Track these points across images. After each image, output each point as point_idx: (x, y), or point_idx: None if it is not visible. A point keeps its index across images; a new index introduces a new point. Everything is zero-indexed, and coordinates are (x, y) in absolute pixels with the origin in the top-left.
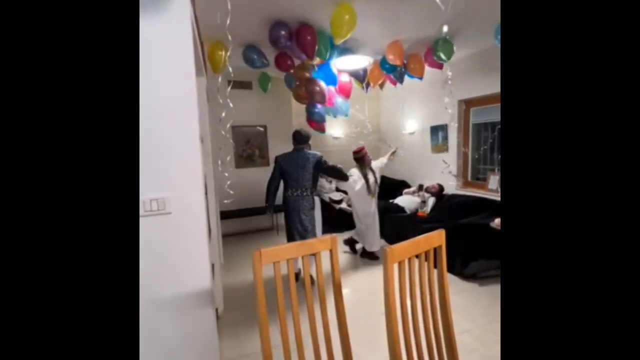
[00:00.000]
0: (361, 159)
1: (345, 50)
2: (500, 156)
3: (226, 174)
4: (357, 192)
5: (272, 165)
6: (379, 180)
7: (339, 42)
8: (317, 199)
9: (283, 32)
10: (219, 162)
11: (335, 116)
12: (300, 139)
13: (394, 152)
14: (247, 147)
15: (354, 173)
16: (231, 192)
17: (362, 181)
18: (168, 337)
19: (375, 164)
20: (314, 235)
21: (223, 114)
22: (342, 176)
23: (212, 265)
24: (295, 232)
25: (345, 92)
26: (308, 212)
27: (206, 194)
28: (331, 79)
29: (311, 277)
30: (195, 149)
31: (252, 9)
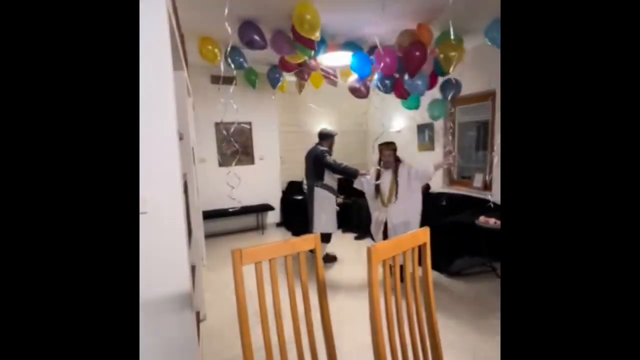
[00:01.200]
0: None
1: (347, 45)
2: (489, 154)
3: (229, 172)
4: (366, 191)
5: (257, 162)
6: (405, 188)
7: (313, 38)
8: (318, 191)
9: (257, 37)
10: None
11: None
12: (319, 136)
13: (449, 160)
14: (231, 144)
15: (372, 172)
16: (233, 198)
17: (374, 181)
18: (144, 342)
19: (410, 170)
20: (313, 227)
21: (225, 113)
22: (342, 173)
23: (193, 267)
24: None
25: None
26: (311, 203)
27: (186, 192)
28: (365, 69)
29: (328, 256)
30: (173, 146)
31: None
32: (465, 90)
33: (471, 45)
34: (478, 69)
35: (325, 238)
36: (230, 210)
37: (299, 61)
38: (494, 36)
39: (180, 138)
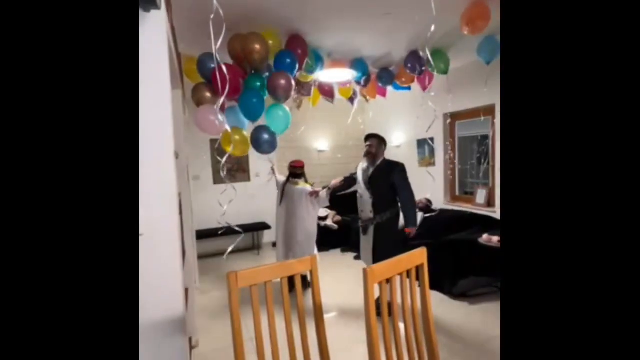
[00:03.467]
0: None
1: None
2: (490, 167)
3: (225, 189)
4: None
5: (254, 180)
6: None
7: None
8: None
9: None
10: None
11: None
12: None
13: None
14: (226, 160)
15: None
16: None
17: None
18: None
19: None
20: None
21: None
22: None
23: (186, 290)
24: None
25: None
26: None
27: (181, 213)
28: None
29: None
30: (170, 166)
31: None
32: (465, 105)
33: (469, 60)
34: (477, 83)
35: None
36: (220, 232)
37: (309, 80)
38: (485, 53)
39: (176, 157)
